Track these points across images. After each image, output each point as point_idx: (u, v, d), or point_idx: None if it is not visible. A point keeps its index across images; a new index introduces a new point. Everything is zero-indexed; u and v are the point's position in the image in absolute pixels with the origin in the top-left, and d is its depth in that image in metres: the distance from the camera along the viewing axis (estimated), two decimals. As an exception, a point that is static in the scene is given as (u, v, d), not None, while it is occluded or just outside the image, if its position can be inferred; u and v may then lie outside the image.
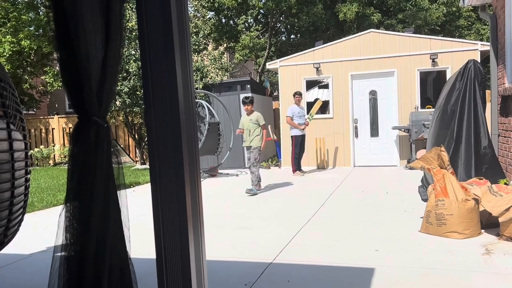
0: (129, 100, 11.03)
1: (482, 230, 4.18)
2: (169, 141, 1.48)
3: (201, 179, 9.18)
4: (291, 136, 9.52)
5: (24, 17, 13.70)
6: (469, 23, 17.37)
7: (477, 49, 9.52)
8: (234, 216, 5.61)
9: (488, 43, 7.31)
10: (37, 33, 14.04)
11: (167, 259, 1.52)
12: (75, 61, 1.35)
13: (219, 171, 10.31)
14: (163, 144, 1.49)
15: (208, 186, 8.58)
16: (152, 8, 1.48)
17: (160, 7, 1.48)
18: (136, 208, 5.81)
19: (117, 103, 11.39)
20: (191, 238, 1.50)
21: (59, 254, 1.45)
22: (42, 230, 5.27)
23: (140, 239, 4.39)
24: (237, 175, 10.05)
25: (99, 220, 1.41)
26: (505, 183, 4.96)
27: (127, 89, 10.95)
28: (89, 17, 1.34)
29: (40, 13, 14.48)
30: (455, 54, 9.62)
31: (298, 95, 9.60)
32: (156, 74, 1.47)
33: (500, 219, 3.86)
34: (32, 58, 14.84)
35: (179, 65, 1.48)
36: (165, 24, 1.47)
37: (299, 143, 9.40)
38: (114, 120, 12.97)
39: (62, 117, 14.88)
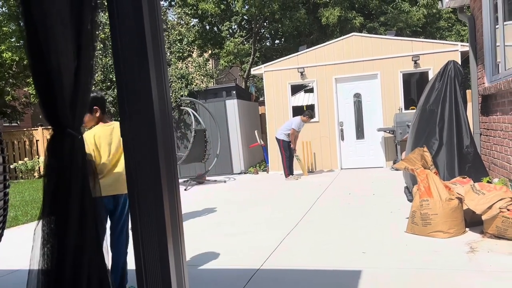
0: (113, 109, 10.95)
1: (467, 229, 4.23)
2: (145, 152, 1.48)
3: (189, 187, 9.16)
4: (279, 139, 9.52)
5: (5, 28, 13.56)
6: (449, 24, 17.67)
7: (458, 50, 9.68)
8: (222, 223, 5.59)
9: (468, 44, 7.43)
10: (18, 44, 13.89)
11: (147, 271, 1.50)
12: (46, 72, 1.34)
13: (207, 178, 10.28)
14: (139, 155, 1.48)
15: (196, 194, 8.54)
16: (124, 17, 1.47)
17: (133, 18, 1.48)
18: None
19: (102, 112, 11.29)
20: (170, 248, 1.49)
21: (35, 269, 1.43)
22: (27, 244, 5.18)
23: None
24: (225, 181, 10.03)
25: (75, 233, 1.40)
26: (488, 181, 5.03)
27: (111, 98, 10.88)
28: (59, 27, 1.33)
29: (21, 24, 14.32)
30: (436, 56, 9.76)
31: (309, 116, 9.55)
32: (130, 85, 1.46)
33: (483, 217, 3.91)
34: (14, 69, 14.68)
35: (153, 75, 1.47)
36: (138, 35, 1.47)
37: (287, 147, 9.44)
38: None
39: (47, 129, 14.68)
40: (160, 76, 1.52)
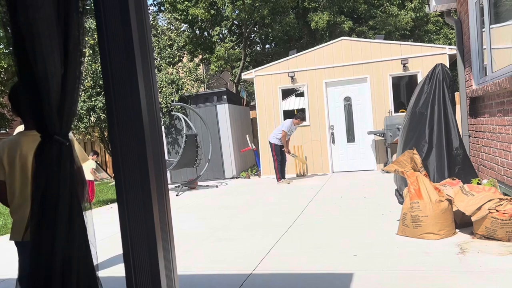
0: (104, 115, 10.89)
1: (457, 230, 4.26)
2: (134, 157, 1.47)
3: (181, 192, 9.13)
4: (271, 143, 9.53)
5: (-8, 35, 13.43)
6: (437, 27, 17.86)
7: (446, 53, 9.79)
8: (214, 228, 5.57)
9: (456, 47, 7.53)
10: (6, 51, 13.77)
11: (137, 277, 1.50)
12: (33, 79, 1.33)
13: (199, 183, 10.24)
14: (128, 160, 1.48)
15: (188, 199, 8.50)
16: (112, 22, 1.47)
17: (121, 23, 1.47)
18: (112, 225, 5.70)
19: (92, 118, 11.23)
20: (160, 255, 1.48)
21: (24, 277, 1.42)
22: (14, 254, 5.11)
23: (115, 257, 4.30)
24: (216, 186, 10.01)
25: (64, 239, 1.38)
26: (477, 183, 5.09)
27: (102, 104, 10.82)
28: (46, 33, 1.32)
29: (10, 31, 14.19)
30: (424, 59, 9.87)
31: (300, 119, 9.54)
32: (118, 92, 1.46)
33: (473, 218, 3.94)
34: (2, 76, 14.54)
35: (141, 81, 1.47)
36: (126, 39, 1.47)
37: (279, 151, 9.45)
38: (89, 136, 12.77)
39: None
40: (148, 81, 1.52)
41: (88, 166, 8.39)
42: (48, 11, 1.32)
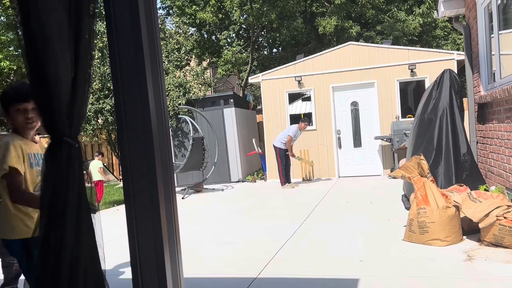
0: (111, 117, 10.96)
1: (464, 237, 4.23)
2: (142, 160, 1.48)
3: (187, 195, 9.14)
4: (276, 147, 9.53)
5: (3, 37, 13.58)
6: (446, 33, 17.78)
7: (454, 59, 9.74)
8: (219, 231, 5.57)
9: (464, 53, 7.49)
10: (16, 53, 13.91)
11: (143, 279, 1.50)
12: (44, 81, 1.35)
13: (205, 186, 10.26)
14: (137, 163, 1.49)
15: (194, 202, 8.52)
16: (122, 26, 1.49)
17: (131, 27, 1.49)
18: (118, 228, 5.72)
19: (99, 121, 11.30)
20: (167, 257, 1.49)
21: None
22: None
23: (122, 259, 4.31)
24: (222, 189, 10.01)
25: (72, 241, 1.40)
26: (485, 189, 5.05)
27: (109, 107, 10.89)
28: (57, 36, 1.34)
29: (20, 33, 14.34)
30: (432, 64, 9.82)
31: (306, 123, 9.58)
32: (127, 94, 1.47)
33: (480, 225, 3.91)
34: (12, 78, 14.68)
35: (150, 84, 1.49)
36: (136, 43, 1.49)
37: (283, 155, 9.44)
38: (97, 138, 12.84)
39: (45, 137, 14.62)
40: (157, 83, 1.53)
41: (96, 166, 8.48)
42: (60, 14, 1.34)
